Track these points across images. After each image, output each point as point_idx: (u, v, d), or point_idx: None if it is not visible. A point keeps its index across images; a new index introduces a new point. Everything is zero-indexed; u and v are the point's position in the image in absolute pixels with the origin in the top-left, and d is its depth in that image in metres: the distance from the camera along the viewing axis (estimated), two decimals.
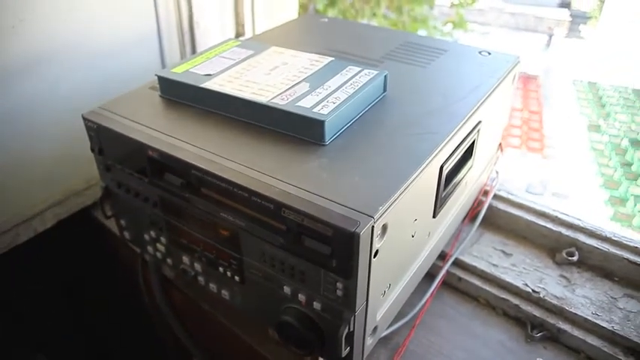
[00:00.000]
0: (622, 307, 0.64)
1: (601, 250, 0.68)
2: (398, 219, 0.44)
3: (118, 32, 0.80)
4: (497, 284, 0.66)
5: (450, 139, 0.50)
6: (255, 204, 0.44)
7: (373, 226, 0.39)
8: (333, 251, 0.41)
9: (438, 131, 0.50)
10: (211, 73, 0.58)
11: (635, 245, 0.68)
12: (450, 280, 0.68)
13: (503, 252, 0.71)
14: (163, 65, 0.90)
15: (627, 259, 0.67)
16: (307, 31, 0.80)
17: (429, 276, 0.65)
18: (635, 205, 8.00)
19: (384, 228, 0.42)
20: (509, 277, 0.66)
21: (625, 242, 0.68)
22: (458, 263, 0.69)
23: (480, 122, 0.58)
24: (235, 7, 0.98)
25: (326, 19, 0.83)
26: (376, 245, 0.41)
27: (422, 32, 3.37)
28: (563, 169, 9.32)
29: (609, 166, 9.24)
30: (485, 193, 0.75)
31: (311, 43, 0.73)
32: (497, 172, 0.77)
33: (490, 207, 0.74)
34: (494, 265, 0.68)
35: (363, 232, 0.38)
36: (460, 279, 0.68)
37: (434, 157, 0.48)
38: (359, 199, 0.41)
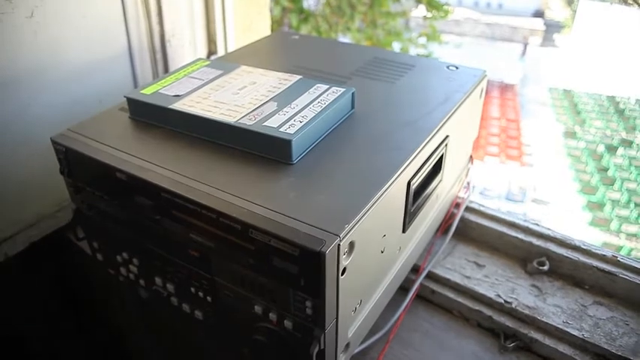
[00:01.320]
0: (592, 314, 0.65)
1: (571, 259, 0.69)
2: (365, 236, 0.44)
3: (88, 53, 0.80)
4: (470, 296, 0.67)
5: (417, 155, 0.51)
6: (223, 225, 0.44)
7: (339, 245, 0.40)
8: (300, 270, 0.41)
9: (405, 147, 0.51)
10: (180, 93, 0.58)
11: (603, 253, 0.69)
12: (423, 293, 0.69)
13: (476, 263, 0.72)
14: (135, 84, 0.89)
15: (596, 267, 0.68)
16: (278, 49, 0.81)
17: (403, 289, 0.65)
18: (613, 209, 8.12)
19: (351, 246, 0.42)
20: (482, 289, 0.67)
21: (594, 251, 0.70)
22: (431, 276, 0.69)
23: (447, 136, 0.59)
24: (207, 25, 0.98)
25: (297, 37, 0.84)
26: (343, 263, 0.42)
27: (396, 45, 3.41)
28: (541, 175, 9.45)
29: (586, 171, 9.39)
30: (458, 205, 0.75)
31: (281, 60, 0.74)
32: (469, 184, 0.78)
33: (462, 219, 0.75)
34: (467, 276, 0.69)
35: (329, 251, 0.38)
36: (434, 292, 0.68)
37: (401, 173, 0.48)
38: (325, 218, 0.41)
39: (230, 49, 1.02)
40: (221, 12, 0.98)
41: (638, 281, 0.66)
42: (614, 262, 0.68)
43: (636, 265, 0.68)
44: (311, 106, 0.53)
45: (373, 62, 0.72)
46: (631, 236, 7.56)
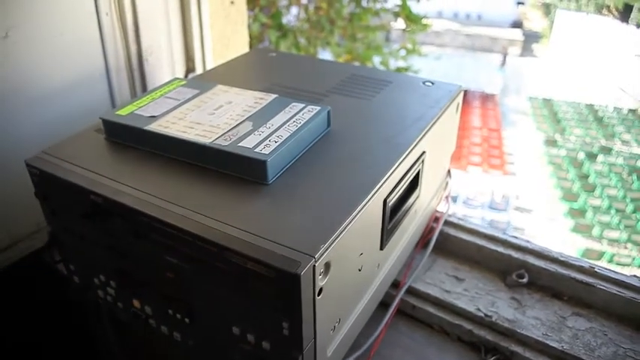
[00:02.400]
0: (571, 325, 0.65)
1: (549, 270, 0.70)
2: (341, 255, 0.44)
3: (64, 73, 0.80)
4: (450, 310, 0.67)
5: (392, 172, 0.51)
6: (199, 247, 0.44)
7: (314, 266, 0.40)
8: (276, 292, 0.41)
9: (381, 165, 0.51)
10: (156, 114, 0.58)
11: (581, 265, 0.70)
12: (404, 308, 0.69)
13: (456, 277, 0.72)
14: (113, 104, 0.89)
15: (574, 278, 0.69)
16: (255, 67, 0.81)
17: (384, 305, 0.65)
18: (594, 215, 8.21)
19: (327, 266, 0.42)
20: (462, 303, 0.67)
21: (571, 262, 0.70)
22: (411, 291, 0.69)
23: (424, 152, 0.59)
24: (185, 42, 0.98)
25: (274, 54, 0.84)
26: (319, 284, 0.42)
27: (376, 59, 3.43)
28: (524, 184, 9.54)
29: (567, 179, 9.50)
30: (437, 219, 0.76)
31: (258, 78, 0.74)
32: (448, 198, 0.79)
33: (442, 233, 0.76)
34: (447, 291, 0.69)
35: (304, 273, 0.38)
36: (414, 307, 0.68)
37: (376, 191, 0.48)
38: (301, 239, 0.41)
39: (209, 67, 1.02)
40: (198, 30, 0.98)
41: (615, 291, 0.67)
42: (591, 273, 0.69)
43: (613, 276, 0.68)
44: (286, 125, 0.53)
45: (350, 79, 0.73)
46: (613, 242, 7.64)
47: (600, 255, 7.16)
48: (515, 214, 8.60)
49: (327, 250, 0.41)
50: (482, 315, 0.66)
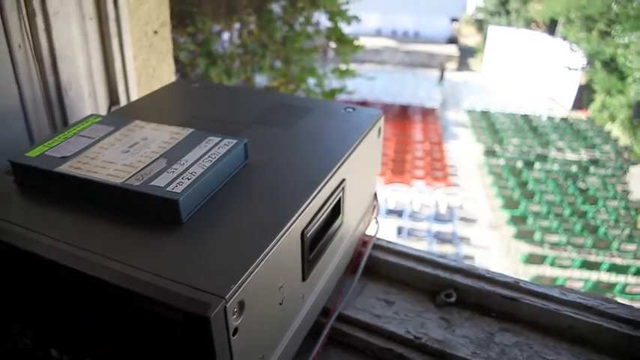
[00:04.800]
0: (498, 341, 0.67)
1: (476, 288, 0.71)
2: (257, 293, 0.44)
3: None
4: (381, 335, 0.67)
5: (309, 203, 0.51)
6: (108, 293, 0.42)
7: (225, 307, 0.39)
8: (188, 336, 0.40)
9: (297, 196, 0.51)
10: (67, 155, 0.56)
11: (506, 280, 0.72)
12: (335, 336, 0.68)
13: (386, 301, 0.72)
14: (31, 141, 0.86)
15: (500, 294, 0.70)
16: (177, 99, 0.80)
17: (315, 333, 0.65)
18: (535, 221, 8.50)
19: (241, 305, 0.41)
20: (392, 327, 0.68)
21: (497, 278, 0.72)
22: (342, 318, 0.69)
23: (344, 180, 0.60)
24: (107, 75, 0.96)
25: (197, 85, 0.83)
26: (233, 324, 0.41)
27: (311, 81, 3.47)
28: (467, 194, 9.78)
29: (507, 187, 9.80)
30: (365, 243, 0.76)
31: (179, 111, 0.73)
32: (376, 221, 0.80)
33: (371, 257, 0.76)
34: (377, 315, 0.70)
35: (215, 315, 0.38)
36: (346, 334, 0.68)
37: (292, 224, 0.48)
38: (211, 280, 0.40)
39: (133, 98, 1.00)
40: (120, 61, 0.96)
41: (539, 304, 0.69)
42: (516, 287, 0.71)
43: (536, 289, 0.70)
44: (201, 161, 0.53)
45: (273, 108, 0.73)
46: (554, 245, 7.92)
47: (542, 259, 7.39)
48: (461, 224, 8.79)
49: (239, 289, 0.40)
50: (412, 337, 0.66)
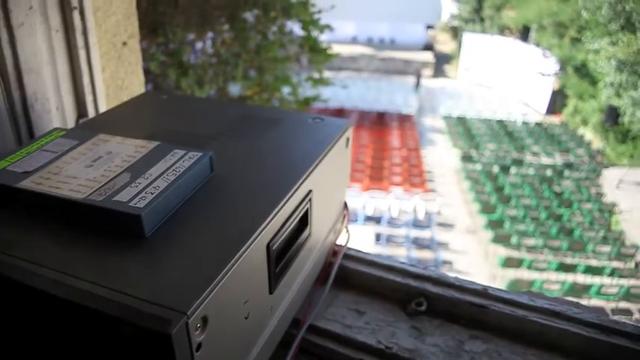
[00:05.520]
0: (468, 349, 0.67)
1: (446, 296, 0.72)
2: (221, 307, 0.43)
3: None
4: (352, 345, 0.67)
5: (275, 216, 0.51)
6: (67, 311, 0.42)
7: (187, 323, 0.38)
8: (151, 353, 0.39)
9: (262, 209, 0.51)
10: (30, 169, 0.55)
11: (475, 287, 0.72)
12: (306, 347, 0.68)
13: (357, 311, 0.72)
14: None
15: (470, 302, 0.71)
16: (145, 111, 0.79)
17: (285, 345, 0.64)
18: (512, 225, 8.59)
19: (205, 320, 0.41)
20: (363, 337, 0.68)
21: (466, 286, 0.73)
22: (313, 329, 0.69)
23: (310, 191, 0.60)
24: (74, 87, 0.95)
25: (165, 97, 0.83)
26: (197, 339, 0.40)
27: (285, 89, 3.48)
28: (444, 200, 9.86)
29: (484, 192, 9.91)
30: (336, 253, 0.76)
31: (146, 124, 0.72)
32: (347, 230, 0.80)
33: (341, 266, 0.76)
34: (348, 326, 0.70)
35: (176, 331, 0.37)
36: (317, 345, 0.68)
37: (257, 237, 0.48)
38: (174, 295, 0.40)
39: (102, 110, 0.99)
40: (88, 74, 0.95)
41: (507, 311, 0.69)
42: (485, 294, 0.72)
43: (505, 296, 0.71)
44: (165, 175, 0.52)
45: (241, 119, 0.73)
46: (530, 248, 8.02)
47: (519, 262, 7.48)
48: (439, 229, 8.86)
49: (201, 304, 0.40)
50: (383, 347, 0.66)
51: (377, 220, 8.62)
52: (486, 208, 9.17)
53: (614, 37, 11.74)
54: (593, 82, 13.89)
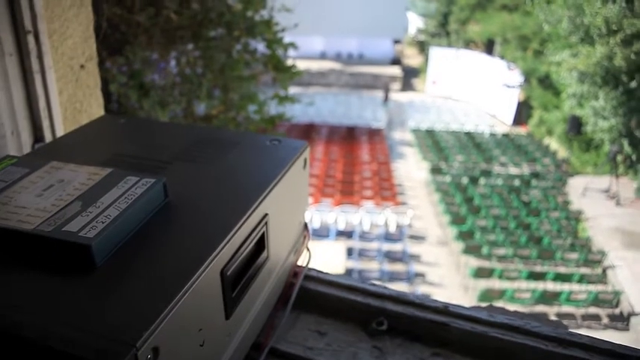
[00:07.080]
0: None
1: (407, 314, 0.72)
2: (173, 337, 0.43)
3: None
4: None
5: (229, 241, 0.51)
6: (17, 346, 0.41)
7: (137, 355, 0.38)
8: None
9: (215, 235, 0.51)
10: None
11: (436, 305, 0.73)
12: None
13: (319, 332, 0.72)
14: None
15: (430, 320, 0.71)
16: (102, 136, 0.78)
17: None
18: (482, 236, 8.69)
19: (156, 351, 0.41)
20: (324, 359, 0.68)
21: (427, 304, 0.73)
22: (274, 352, 0.69)
23: (267, 215, 0.60)
24: (30, 112, 0.94)
25: (123, 120, 0.82)
26: None
27: (252, 108, 3.49)
28: (415, 212, 9.94)
29: (454, 203, 10.02)
30: (296, 274, 0.76)
31: (102, 149, 0.72)
32: (308, 251, 0.80)
33: (302, 288, 0.76)
34: (309, 348, 0.69)
35: None
36: None
37: (210, 264, 0.48)
38: (123, 326, 0.40)
39: (59, 134, 0.97)
40: (44, 98, 0.94)
41: (468, 327, 0.70)
42: (445, 312, 0.72)
43: (464, 312, 0.72)
44: (117, 202, 0.52)
45: (198, 143, 0.72)
46: (501, 258, 8.12)
47: (490, 272, 7.56)
48: (411, 242, 8.91)
49: (151, 335, 0.40)
50: None
51: (349, 234, 8.64)
52: (457, 220, 9.27)
53: (574, 50, 12.09)
54: (557, 93, 14.26)
